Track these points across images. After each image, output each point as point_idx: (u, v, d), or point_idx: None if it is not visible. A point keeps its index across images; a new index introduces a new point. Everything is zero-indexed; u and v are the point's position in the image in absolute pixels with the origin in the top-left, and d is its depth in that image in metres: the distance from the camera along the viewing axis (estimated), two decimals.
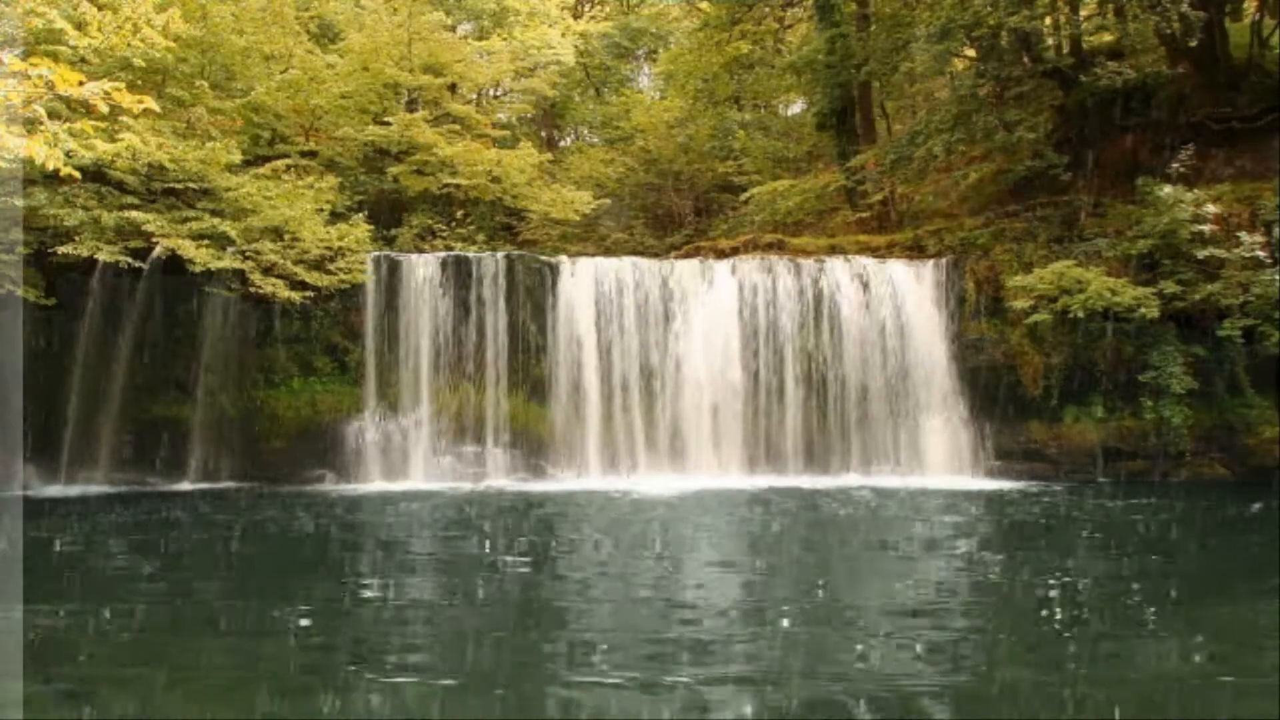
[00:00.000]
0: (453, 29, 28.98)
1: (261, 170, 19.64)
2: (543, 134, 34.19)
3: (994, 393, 18.72)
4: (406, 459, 18.40)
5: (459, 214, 24.59)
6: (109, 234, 16.80)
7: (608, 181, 28.48)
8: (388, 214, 24.22)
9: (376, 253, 19.64)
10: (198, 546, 11.87)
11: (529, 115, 31.51)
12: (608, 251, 24.15)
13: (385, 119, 24.35)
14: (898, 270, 19.74)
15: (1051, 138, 20.58)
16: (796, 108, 33.61)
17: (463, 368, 19.02)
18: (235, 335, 18.51)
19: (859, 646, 7.25)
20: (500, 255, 19.91)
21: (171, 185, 17.93)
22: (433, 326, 19.06)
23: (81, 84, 8.60)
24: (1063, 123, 20.69)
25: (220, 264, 17.10)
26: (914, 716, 5.80)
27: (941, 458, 18.74)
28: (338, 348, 19.05)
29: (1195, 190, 17.90)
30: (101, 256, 16.59)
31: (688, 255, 22.31)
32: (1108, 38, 21.18)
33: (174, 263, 17.26)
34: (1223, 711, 5.86)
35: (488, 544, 12.01)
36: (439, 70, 25.52)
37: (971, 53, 22.02)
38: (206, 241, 17.24)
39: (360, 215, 20.32)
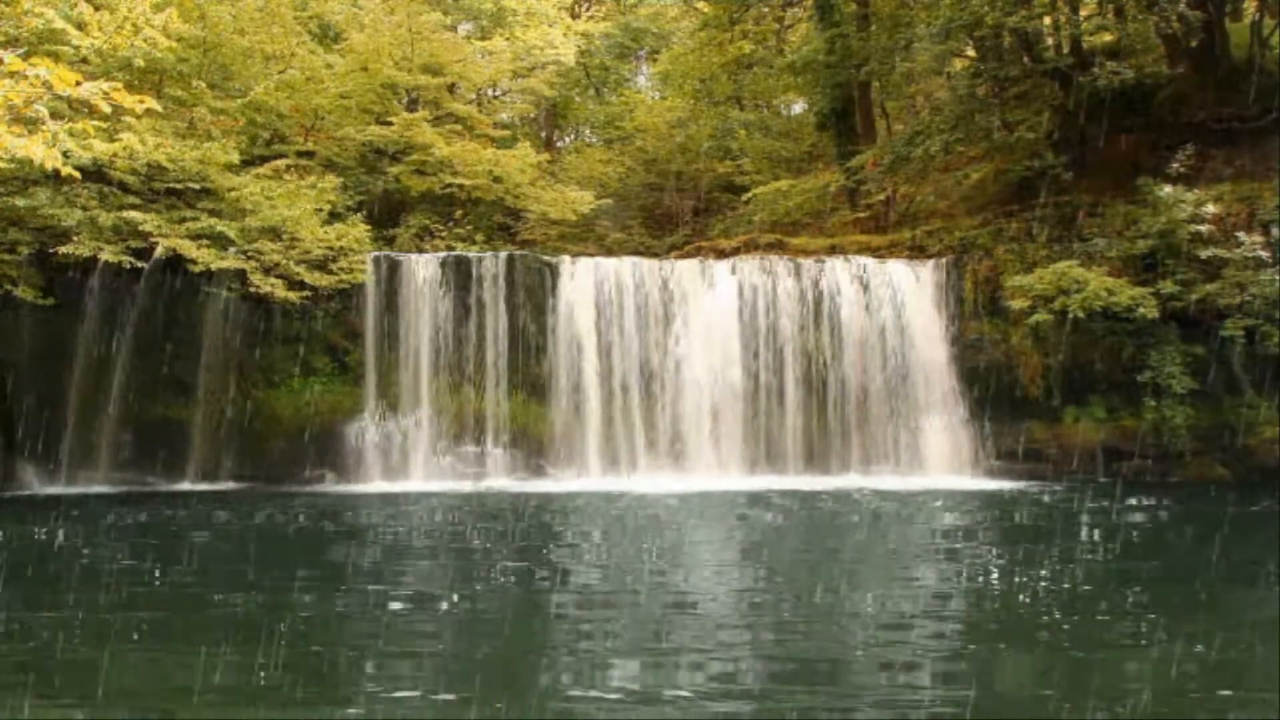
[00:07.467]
0: (453, 29, 28.97)
1: (263, 170, 19.64)
2: (542, 134, 34.18)
3: (994, 393, 18.71)
4: (406, 459, 18.40)
5: (458, 214, 24.57)
6: (108, 234, 16.80)
7: (608, 181, 28.47)
8: (387, 214, 24.20)
9: (376, 253, 19.63)
10: (199, 547, 11.86)
11: (530, 115, 31.51)
12: (608, 252, 24.13)
13: (387, 119, 24.35)
14: (898, 270, 19.73)
15: (1051, 138, 20.58)
16: (797, 108, 33.60)
17: (463, 368, 19.01)
18: (235, 335, 18.51)
19: (859, 647, 7.25)
20: (500, 255, 19.89)
21: (172, 185, 17.93)
22: (433, 327, 19.05)
23: (79, 84, 8.58)
24: (1063, 123, 20.68)
25: (222, 264, 17.11)
26: (914, 717, 5.79)
27: (942, 458, 18.74)
28: (338, 348, 19.05)
29: (1195, 190, 17.89)
30: (104, 256, 16.60)
31: (687, 255, 22.28)
32: (1108, 38, 21.16)
33: (174, 263, 17.27)
34: (1223, 712, 5.86)
35: (487, 544, 12.00)
36: (439, 70, 25.52)
37: (972, 52, 22.03)
38: (206, 241, 17.24)
39: (358, 215, 20.31)
